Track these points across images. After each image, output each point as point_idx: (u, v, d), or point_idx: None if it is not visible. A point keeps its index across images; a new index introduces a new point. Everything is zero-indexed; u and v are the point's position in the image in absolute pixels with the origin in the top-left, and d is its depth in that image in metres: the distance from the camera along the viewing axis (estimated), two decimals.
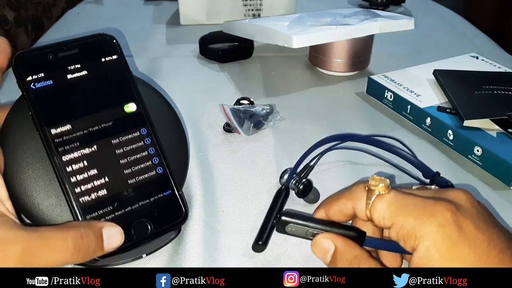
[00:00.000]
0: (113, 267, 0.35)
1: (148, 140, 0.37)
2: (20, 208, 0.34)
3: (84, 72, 0.36)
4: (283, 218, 0.32)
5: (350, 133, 0.52)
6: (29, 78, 0.34)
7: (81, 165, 0.34)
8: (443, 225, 0.26)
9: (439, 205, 0.28)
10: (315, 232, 0.32)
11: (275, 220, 0.33)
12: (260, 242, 0.36)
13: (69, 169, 0.34)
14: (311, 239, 0.32)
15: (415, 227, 0.27)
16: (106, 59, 0.37)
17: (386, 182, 0.30)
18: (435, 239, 0.26)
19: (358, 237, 0.32)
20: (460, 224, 0.27)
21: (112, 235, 0.32)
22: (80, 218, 0.33)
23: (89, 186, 0.34)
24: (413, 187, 0.32)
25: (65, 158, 0.34)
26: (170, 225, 0.36)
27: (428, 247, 0.27)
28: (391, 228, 0.29)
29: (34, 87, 0.34)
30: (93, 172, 0.34)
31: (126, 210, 0.34)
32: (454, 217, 0.27)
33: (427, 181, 0.44)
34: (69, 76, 0.36)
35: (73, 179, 0.33)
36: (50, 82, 0.35)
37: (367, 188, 0.30)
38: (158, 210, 0.35)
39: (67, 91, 0.35)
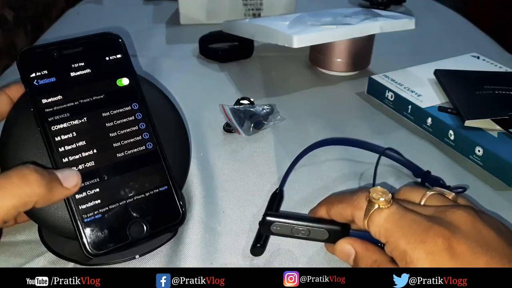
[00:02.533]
0: (111, 266, 0.35)
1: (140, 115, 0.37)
2: None
3: (88, 70, 0.36)
4: (268, 218, 0.33)
5: (334, 138, 0.50)
6: (33, 74, 0.35)
7: (79, 160, 0.34)
8: (432, 252, 0.26)
9: (432, 230, 0.27)
10: (300, 229, 0.33)
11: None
12: (259, 245, 0.36)
13: (68, 166, 0.34)
14: (298, 237, 0.34)
15: (406, 251, 0.27)
16: (111, 57, 0.37)
17: (387, 196, 0.30)
18: (423, 265, 0.27)
19: (342, 230, 0.33)
20: (453, 251, 0.26)
21: (67, 175, 0.32)
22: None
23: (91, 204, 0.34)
24: (427, 193, 0.32)
25: (65, 159, 0.34)
26: (166, 226, 0.35)
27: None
28: (385, 245, 0.29)
29: (37, 84, 0.35)
30: (97, 187, 0.34)
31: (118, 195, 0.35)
32: (447, 243, 0.26)
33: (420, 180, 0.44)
34: (72, 74, 0.36)
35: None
36: (53, 79, 0.35)
37: (368, 199, 0.30)
38: (154, 209, 0.35)
39: (70, 88, 0.35)
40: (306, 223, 0.33)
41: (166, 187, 0.36)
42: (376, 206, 0.30)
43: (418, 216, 0.29)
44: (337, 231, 0.33)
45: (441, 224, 0.27)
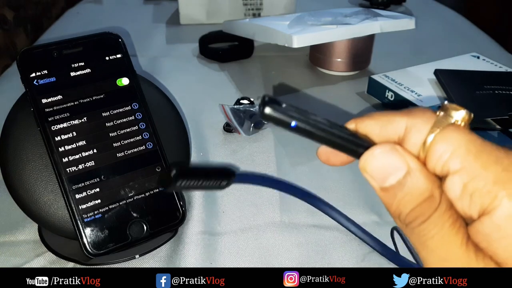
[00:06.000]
0: (111, 266, 0.35)
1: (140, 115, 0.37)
2: (19, 203, 0.35)
3: (88, 70, 0.36)
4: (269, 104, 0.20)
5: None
6: (33, 74, 0.35)
7: (79, 160, 0.34)
8: None
9: None
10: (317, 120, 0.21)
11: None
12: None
13: (68, 166, 0.34)
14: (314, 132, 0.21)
15: (500, 181, 0.18)
16: (111, 57, 0.37)
17: (470, 114, 0.21)
18: None
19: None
20: None
21: None
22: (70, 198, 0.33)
23: (91, 195, 0.34)
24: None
25: (65, 159, 0.34)
26: (166, 226, 0.35)
27: (510, 214, 0.18)
28: (455, 174, 0.19)
29: (37, 84, 0.35)
30: (96, 180, 0.34)
31: (118, 193, 0.35)
32: None
33: None
34: (72, 74, 0.36)
35: (70, 174, 0.34)
36: (53, 79, 0.35)
37: (439, 112, 0.21)
38: (154, 208, 0.35)
39: (70, 88, 0.35)
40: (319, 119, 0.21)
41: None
42: (453, 120, 0.20)
43: (503, 147, 0.21)
44: (365, 146, 0.21)
45: None
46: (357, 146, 0.21)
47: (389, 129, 0.21)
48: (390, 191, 0.20)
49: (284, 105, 0.20)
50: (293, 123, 0.20)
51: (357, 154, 0.21)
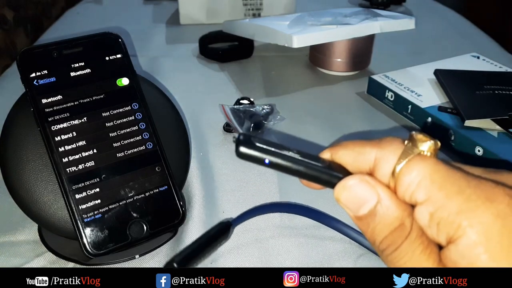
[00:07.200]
0: (110, 266, 0.35)
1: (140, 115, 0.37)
2: (19, 203, 0.35)
3: (88, 70, 0.36)
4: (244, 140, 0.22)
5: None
6: (33, 74, 0.35)
7: (79, 160, 0.34)
8: (503, 215, 0.19)
9: (500, 188, 0.20)
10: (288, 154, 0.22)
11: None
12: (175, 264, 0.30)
13: (68, 166, 0.34)
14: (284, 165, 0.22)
15: (462, 211, 0.19)
16: (111, 57, 0.37)
17: (437, 143, 0.21)
18: (489, 234, 0.19)
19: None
20: None
21: None
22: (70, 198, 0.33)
23: (91, 194, 0.34)
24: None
25: (65, 159, 0.34)
26: (167, 226, 0.35)
27: (475, 243, 0.19)
28: (422, 205, 0.20)
29: (37, 84, 0.35)
30: (96, 180, 0.34)
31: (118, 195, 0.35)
32: None
33: None
34: (72, 74, 0.36)
35: (70, 174, 0.34)
36: (53, 79, 0.35)
37: (407, 142, 0.21)
38: (154, 208, 0.35)
39: (70, 88, 0.35)
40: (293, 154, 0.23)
41: (166, 187, 0.36)
42: (419, 151, 0.21)
43: (471, 174, 0.21)
44: (338, 177, 0.22)
45: (505, 185, 0.20)
46: (330, 177, 0.22)
47: (361, 159, 0.22)
48: (363, 220, 0.21)
49: (257, 143, 0.22)
50: (267, 161, 0.21)
51: (331, 185, 0.22)
